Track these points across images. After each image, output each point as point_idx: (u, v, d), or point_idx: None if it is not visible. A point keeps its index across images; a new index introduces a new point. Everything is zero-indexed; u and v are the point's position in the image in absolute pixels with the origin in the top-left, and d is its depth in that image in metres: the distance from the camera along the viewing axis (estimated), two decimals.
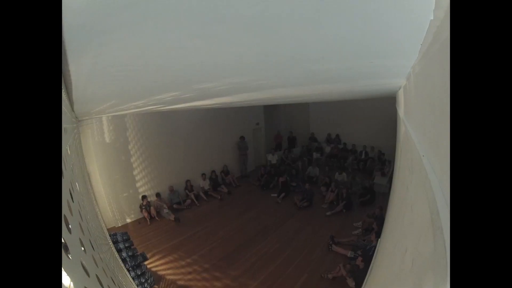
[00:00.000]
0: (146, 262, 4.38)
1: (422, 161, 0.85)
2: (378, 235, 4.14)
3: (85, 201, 2.21)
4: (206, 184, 7.85)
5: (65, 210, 0.79)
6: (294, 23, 0.63)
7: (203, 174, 7.88)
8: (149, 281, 3.91)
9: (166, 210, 6.57)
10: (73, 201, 1.03)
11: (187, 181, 7.44)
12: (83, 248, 1.04)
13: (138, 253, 4.24)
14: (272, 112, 11.20)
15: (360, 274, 3.68)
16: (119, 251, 4.02)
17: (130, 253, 4.06)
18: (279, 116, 11.67)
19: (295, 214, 6.34)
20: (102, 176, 5.94)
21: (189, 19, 0.58)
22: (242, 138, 9.00)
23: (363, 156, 9.22)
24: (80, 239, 0.99)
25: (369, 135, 9.47)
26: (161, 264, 4.71)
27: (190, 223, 6.21)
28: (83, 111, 2.90)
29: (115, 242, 4.13)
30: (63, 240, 0.69)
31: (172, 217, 6.36)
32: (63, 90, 1.23)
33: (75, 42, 0.67)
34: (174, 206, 6.86)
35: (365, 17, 0.60)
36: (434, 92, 0.70)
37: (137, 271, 3.88)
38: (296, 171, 8.67)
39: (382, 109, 8.47)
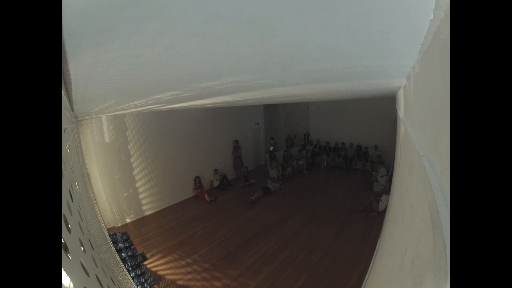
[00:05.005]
0: (145, 262, 4.38)
1: (422, 161, 0.85)
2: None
3: (85, 201, 2.21)
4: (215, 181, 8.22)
5: (64, 210, 0.79)
6: (293, 22, 0.63)
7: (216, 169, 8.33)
8: (148, 281, 3.90)
9: None
10: (72, 201, 1.03)
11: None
12: (82, 248, 1.04)
13: (138, 253, 4.24)
14: (272, 111, 11.22)
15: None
16: (118, 251, 4.02)
17: (129, 253, 4.06)
18: (278, 116, 11.68)
19: (295, 214, 6.35)
20: (102, 176, 5.94)
21: (188, 18, 0.58)
22: (236, 141, 9.27)
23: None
24: (79, 239, 0.99)
25: (369, 135, 9.51)
26: (161, 264, 4.71)
27: (189, 223, 6.21)
28: (82, 111, 2.90)
29: (115, 242, 4.12)
30: (63, 240, 0.69)
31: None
32: (63, 90, 1.23)
33: (75, 42, 0.67)
34: None
35: (365, 17, 0.60)
36: (434, 92, 0.70)
37: (137, 271, 3.87)
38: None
39: (382, 109, 8.52)
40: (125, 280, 3.21)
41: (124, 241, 4.22)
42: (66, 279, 0.68)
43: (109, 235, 4.12)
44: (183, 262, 4.71)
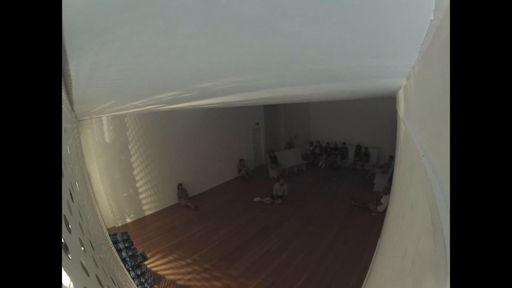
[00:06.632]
0: (146, 262, 4.38)
1: (422, 161, 0.85)
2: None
3: (85, 201, 2.21)
4: None
5: (65, 210, 0.79)
6: (294, 22, 0.63)
7: None
8: (149, 281, 3.90)
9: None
10: (73, 201, 1.03)
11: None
12: (83, 248, 1.04)
13: (138, 253, 4.24)
14: (272, 112, 11.21)
15: None
16: (119, 251, 4.02)
17: (130, 253, 4.06)
18: (279, 116, 11.67)
19: (295, 214, 6.35)
20: (102, 176, 5.94)
21: (189, 18, 0.58)
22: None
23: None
24: (80, 239, 0.99)
25: (369, 135, 9.52)
26: (161, 264, 4.71)
27: (190, 223, 6.21)
28: (83, 111, 2.90)
29: (115, 242, 4.12)
30: (63, 240, 0.69)
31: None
32: (63, 90, 1.23)
33: (75, 42, 0.67)
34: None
35: (365, 17, 0.60)
36: (434, 92, 0.70)
37: (137, 271, 3.88)
38: None
39: (382, 109, 8.52)
40: (125, 280, 3.21)
41: (124, 241, 4.22)
42: (66, 279, 0.68)
43: (110, 235, 4.12)
44: (183, 262, 4.71)
